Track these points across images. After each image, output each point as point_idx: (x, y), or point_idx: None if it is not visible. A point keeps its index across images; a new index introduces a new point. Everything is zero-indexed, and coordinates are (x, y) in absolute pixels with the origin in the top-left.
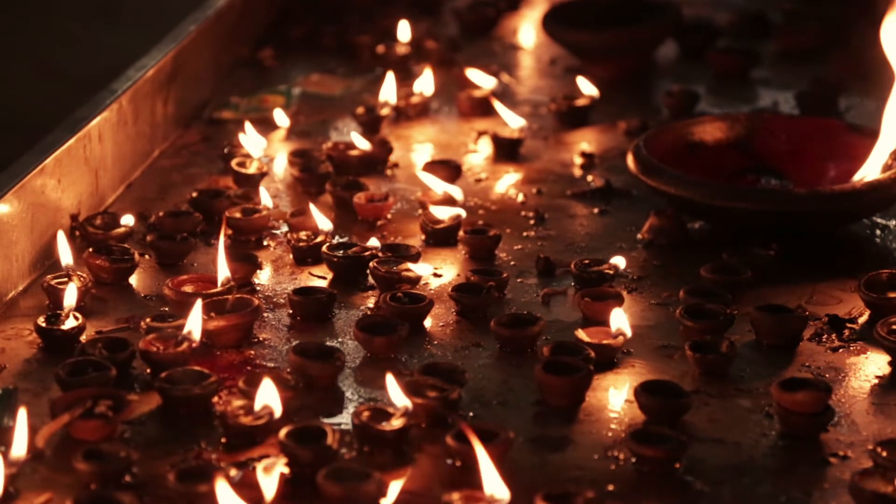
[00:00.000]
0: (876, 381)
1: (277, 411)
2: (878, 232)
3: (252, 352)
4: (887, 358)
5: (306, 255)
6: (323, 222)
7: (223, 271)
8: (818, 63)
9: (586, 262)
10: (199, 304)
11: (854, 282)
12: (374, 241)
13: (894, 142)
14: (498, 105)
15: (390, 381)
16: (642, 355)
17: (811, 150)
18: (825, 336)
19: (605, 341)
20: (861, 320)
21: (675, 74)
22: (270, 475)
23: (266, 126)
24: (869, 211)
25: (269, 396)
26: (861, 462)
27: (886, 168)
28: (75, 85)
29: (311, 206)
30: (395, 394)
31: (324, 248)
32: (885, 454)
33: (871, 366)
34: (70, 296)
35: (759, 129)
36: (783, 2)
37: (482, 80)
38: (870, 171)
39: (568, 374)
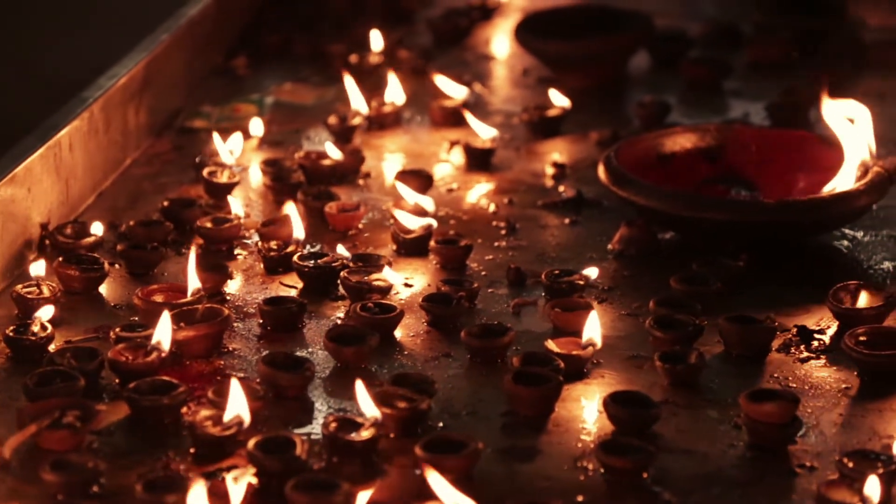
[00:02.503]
0: (844, 392)
1: (247, 421)
2: (846, 243)
3: (222, 362)
4: (855, 369)
5: (277, 265)
6: (297, 229)
7: (193, 281)
8: (790, 74)
9: (557, 272)
10: (166, 314)
11: (823, 293)
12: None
13: (861, 153)
14: (469, 116)
15: (360, 388)
16: (612, 366)
17: (781, 161)
18: (794, 347)
19: (574, 352)
20: (830, 331)
21: (646, 85)
22: (238, 485)
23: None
24: (838, 222)
25: (238, 398)
26: (828, 473)
27: (857, 179)
28: (52, 92)
29: (289, 208)
30: (364, 402)
31: (294, 258)
32: (851, 465)
33: (839, 377)
34: (46, 312)
35: (730, 140)
36: (755, 13)
37: (452, 90)
38: (840, 182)
39: (537, 384)
